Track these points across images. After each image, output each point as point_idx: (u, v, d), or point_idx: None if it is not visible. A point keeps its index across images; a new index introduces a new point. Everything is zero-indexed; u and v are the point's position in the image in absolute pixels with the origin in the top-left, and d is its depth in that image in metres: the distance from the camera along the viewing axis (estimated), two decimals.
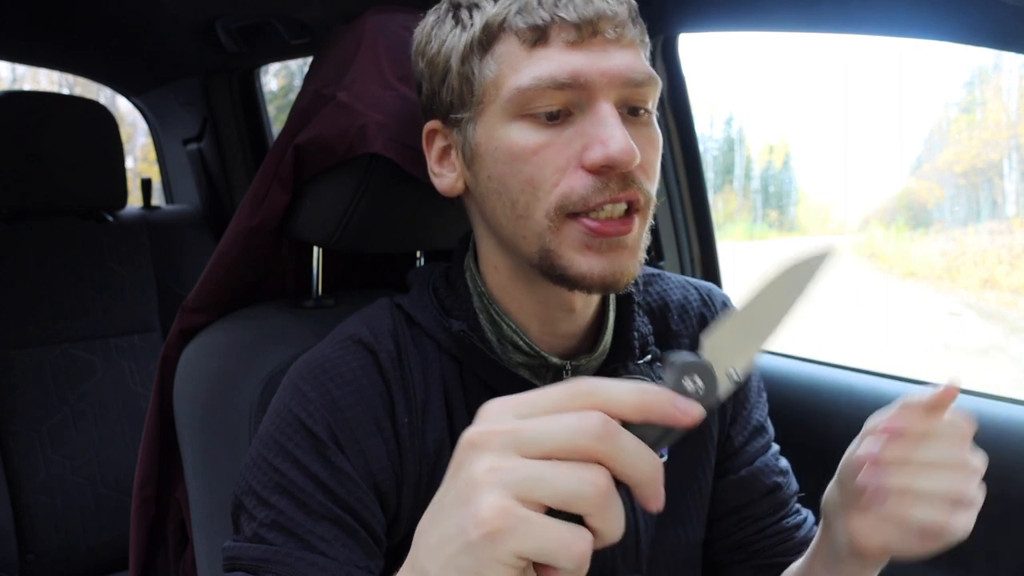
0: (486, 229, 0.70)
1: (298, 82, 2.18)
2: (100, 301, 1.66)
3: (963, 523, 0.61)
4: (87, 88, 3.43)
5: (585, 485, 0.35)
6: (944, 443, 0.61)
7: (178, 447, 0.91)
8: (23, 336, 1.57)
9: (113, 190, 1.68)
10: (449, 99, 0.68)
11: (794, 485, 0.84)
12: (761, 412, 0.84)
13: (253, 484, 0.65)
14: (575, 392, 0.37)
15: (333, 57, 0.86)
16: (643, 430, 0.38)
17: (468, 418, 0.58)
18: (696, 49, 1.37)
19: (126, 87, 2.06)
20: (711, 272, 1.40)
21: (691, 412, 0.38)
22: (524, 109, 0.63)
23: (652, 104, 0.66)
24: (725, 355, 0.42)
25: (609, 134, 0.60)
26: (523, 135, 0.63)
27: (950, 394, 0.60)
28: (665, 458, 0.75)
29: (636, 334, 0.73)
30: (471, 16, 0.66)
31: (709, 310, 0.82)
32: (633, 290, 0.75)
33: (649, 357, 0.74)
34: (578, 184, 0.61)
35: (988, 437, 0.99)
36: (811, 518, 0.84)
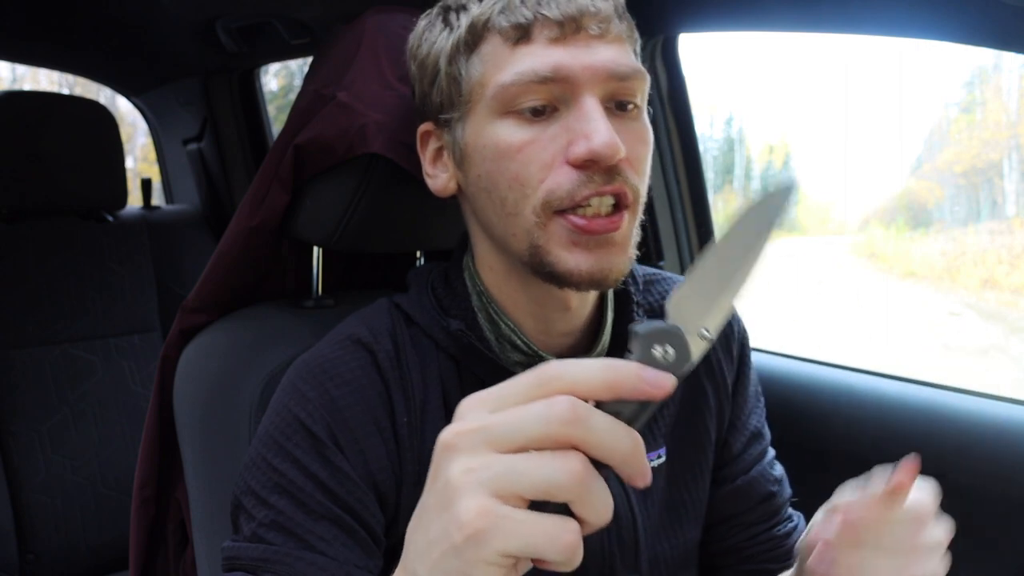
0: (479, 229, 0.71)
1: (298, 82, 2.18)
2: (100, 301, 1.66)
3: None
4: (87, 88, 3.43)
5: (559, 473, 0.34)
6: (899, 528, 0.62)
7: (178, 447, 0.91)
8: (23, 336, 1.57)
9: (113, 190, 1.68)
10: (439, 100, 0.69)
11: (787, 492, 0.85)
12: (759, 418, 0.84)
13: (252, 484, 0.65)
14: (542, 378, 0.36)
15: (333, 57, 0.86)
16: (617, 407, 0.37)
17: None
18: (696, 49, 1.37)
19: (126, 87, 2.06)
20: None
21: (661, 383, 0.36)
22: (509, 106, 0.63)
23: (641, 99, 0.66)
24: (693, 315, 0.40)
25: (593, 128, 0.60)
26: (509, 132, 0.63)
27: (909, 477, 0.61)
28: (663, 459, 0.75)
29: None
30: (458, 17, 0.67)
31: None
32: (633, 289, 0.75)
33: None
34: (563, 180, 0.61)
35: (988, 437, 1.00)
36: (802, 524, 0.85)
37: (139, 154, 4.55)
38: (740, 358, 0.83)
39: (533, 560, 0.36)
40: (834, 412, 1.15)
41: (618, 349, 0.73)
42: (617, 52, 0.64)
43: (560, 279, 0.64)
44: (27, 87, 3.70)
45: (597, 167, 0.61)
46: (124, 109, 2.77)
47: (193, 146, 2.00)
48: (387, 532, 0.67)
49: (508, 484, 0.35)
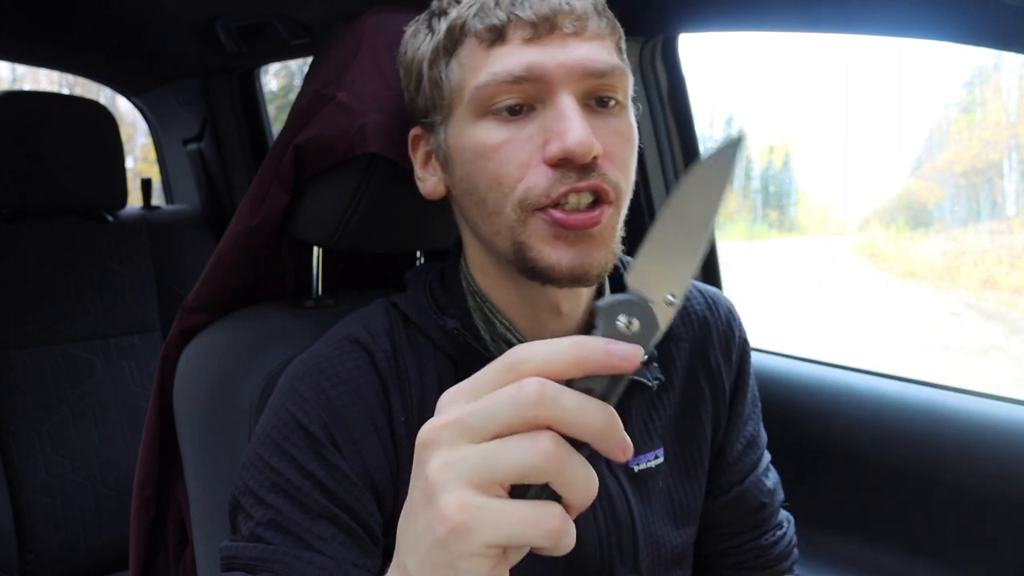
0: (468, 231, 0.71)
1: (298, 82, 2.18)
2: (100, 301, 1.66)
3: None
4: (87, 88, 3.43)
5: (529, 454, 0.34)
6: None
7: (178, 447, 0.91)
8: (23, 336, 1.57)
9: (113, 190, 1.68)
10: (424, 104, 0.70)
11: (778, 501, 0.85)
12: (755, 425, 0.85)
13: (250, 484, 0.66)
14: (512, 362, 0.36)
15: (333, 57, 0.86)
16: (588, 384, 0.36)
17: None
18: (696, 49, 1.37)
19: (126, 87, 2.06)
20: (711, 272, 1.40)
21: (629, 355, 0.36)
22: (486, 107, 0.64)
23: (623, 95, 0.66)
24: (656, 283, 0.39)
25: (566, 127, 0.60)
26: (486, 133, 0.64)
27: None
28: (661, 460, 0.76)
29: None
30: (438, 22, 0.68)
31: (713, 315, 0.82)
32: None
33: (645, 357, 0.74)
34: (540, 178, 0.62)
35: (988, 437, 1.00)
36: (789, 532, 0.86)
37: (139, 154, 4.55)
38: (740, 364, 0.83)
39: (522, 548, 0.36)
40: (834, 412, 1.15)
41: None
42: (594, 49, 0.64)
43: (542, 275, 0.64)
44: (27, 87, 3.71)
45: (572, 165, 0.61)
46: (124, 109, 2.77)
47: (193, 146, 2.00)
48: (385, 531, 0.67)
49: (484, 473, 0.35)
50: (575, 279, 0.64)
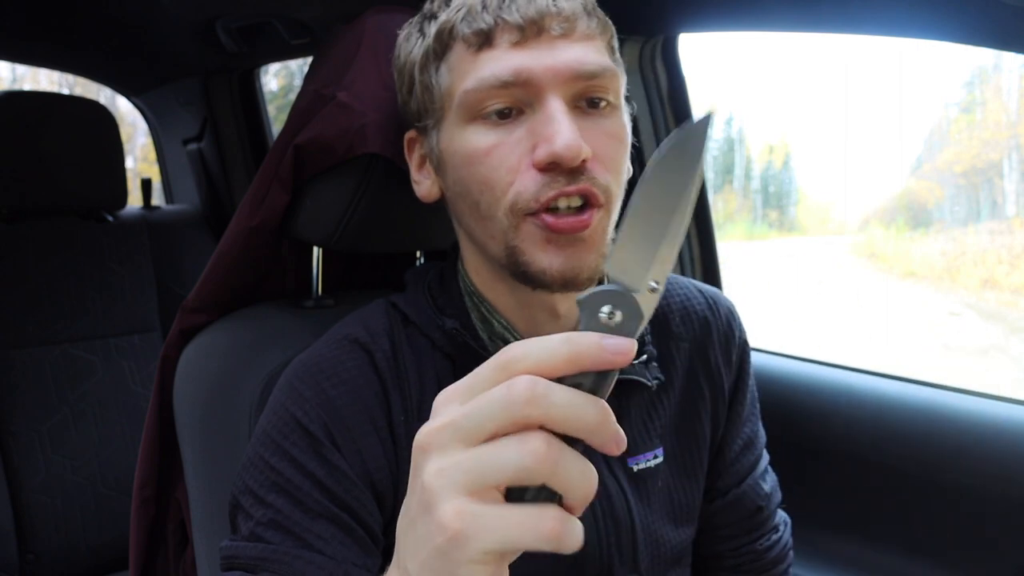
0: (463, 233, 0.72)
1: (298, 82, 2.18)
2: (100, 301, 1.66)
3: None
4: (87, 88, 3.43)
5: (522, 455, 0.34)
6: None
7: (178, 447, 0.91)
8: (23, 336, 1.57)
9: (113, 190, 1.68)
10: (416, 108, 0.70)
11: (775, 503, 0.85)
12: (753, 426, 0.85)
13: (250, 483, 0.66)
14: (504, 362, 0.36)
15: (333, 57, 0.86)
16: (578, 379, 0.36)
17: None
18: (696, 49, 1.37)
19: (126, 87, 2.06)
20: (711, 272, 1.40)
21: (622, 350, 0.35)
22: (475, 112, 0.64)
23: (614, 95, 0.66)
24: (637, 270, 0.37)
25: (554, 130, 0.60)
26: (476, 137, 0.64)
27: None
28: (660, 459, 0.76)
29: None
30: (428, 26, 0.68)
31: (713, 315, 0.81)
32: None
33: (645, 357, 0.74)
34: (529, 183, 0.62)
35: (988, 437, 1.00)
36: (785, 536, 0.86)
37: (139, 154, 4.56)
38: (740, 365, 0.83)
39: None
40: (834, 412, 1.15)
41: None
42: (584, 51, 0.63)
43: (534, 279, 0.64)
44: (27, 87, 3.71)
45: (560, 169, 0.61)
46: (124, 109, 2.77)
47: (193, 146, 2.00)
48: (385, 531, 0.67)
49: (479, 478, 0.34)
50: (566, 283, 0.64)
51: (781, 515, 0.87)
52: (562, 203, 0.62)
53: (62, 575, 1.54)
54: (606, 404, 0.35)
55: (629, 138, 0.67)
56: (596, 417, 0.35)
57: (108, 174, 1.67)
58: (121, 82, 2.04)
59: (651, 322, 0.78)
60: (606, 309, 0.37)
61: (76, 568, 1.55)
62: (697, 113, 1.37)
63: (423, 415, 0.68)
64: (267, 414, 0.68)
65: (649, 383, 0.73)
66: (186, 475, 0.90)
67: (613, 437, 0.35)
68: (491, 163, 0.63)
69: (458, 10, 0.65)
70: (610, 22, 0.69)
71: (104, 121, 1.66)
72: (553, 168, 0.61)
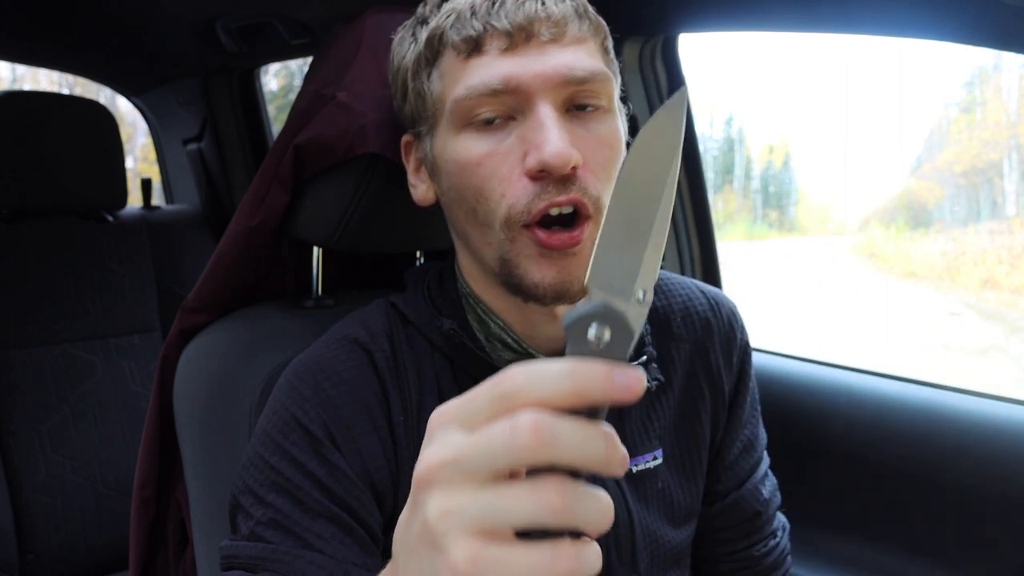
0: (457, 238, 0.72)
1: (298, 82, 2.18)
2: (100, 301, 1.66)
3: None
4: (87, 88, 3.43)
5: (537, 507, 0.32)
6: None
7: (178, 447, 0.91)
8: (23, 336, 1.57)
9: (113, 190, 1.68)
10: (410, 114, 0.70)
11: (773, 508, 0.85)
12: (753, 428, 0.84)
13: (250, 483, 0.66)
14: (502, 394, 0.34)
15: (333, 57, 0.86)
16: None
17: None
18: (696, 49, 1.37)
19: (126, 87, 2.06)
20: (711, 272, 1.40)
21: (632, 384, 0.33)
22: (466, 120, 0.63)
23: (607, 99, 0.65)
24: (620, 283, 0.34)
25: (544, 138, 0.60)
26: (468, 146, 0.64)
27: None
28: (660, 460, 0.75)
29: None
30: (421, 31, 0.67)
31: (715, 316, 0.81)
32: None
33: (644, 358, 0.74)
34: (521, 193, 0.62)
35: (988, 437, 1.00)
36: (783, 542, 0.85)
37: (139, 154, 4.56)
38: (741, 367, 0.82)
39: None
40: (834, 412, 1.15)
41: None
42: (574, 55, 0.63)
43: (526, 292, 0.64)
44: (27, 87, 3.71)
45: (551, 177, 0.61)
46: (124, 109, 2.77)
47: (193, 146, 2.00)
48: (385, 530, 0.67)
49: (491, 522, 0.33)
50: (557, 296, 0.64)
51: (780, 520, 0.87)
52: (553, 211, 0.61)
53: (62, 575, 1.54)
54: (611, 432, 0.34)
55: (623, 141, 0.67)
56: (603, 451, 0.33)
57: (108, 174, 1.67)
58: (121, 82, 2.04)
59: (652, 322, 0.78)
60: (593, 330, 0.34)
61: (76, 568, 1.55)
62: (696, 114, 1.37)
63: (423, 415, 0.68)
64: (267, 414, 0.68)
65: (649, 384, 0.73)
66: (186, 475, 0.90)
67: (619, 464, 0.34)
68: (483, 173, 0.63)
69: (448, 16, 0.64)
70: (604, 23, 0.68)
71: (104, 121, 1.66)
72: (544, 176, 0.61)
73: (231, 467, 0.78)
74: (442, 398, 0.69)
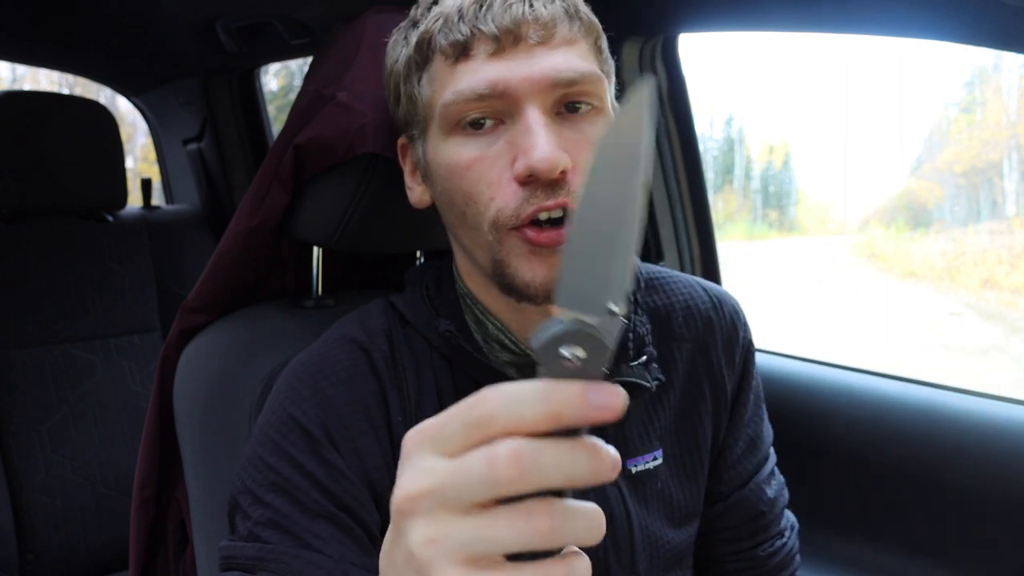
0: (453, 240, 0.72)
1: (298, 82, 2.18)
2: (100, 301, 1.66)
3: None
4: (87, 88, 3.44)
5: (527, 532, 0.31)
6: None
7: (178, 447, 0.91)
8: (23, 336, 1.57)
9: (113, 190, 1.68)
10: (403, 117, 0.70)
11: (777, 510, 0.84)
12: (757, 428, 0.83)
13: (248, 483, 0.66)
14: (476, 420, 0.33)
15: (333, 57, 0.86)
16: None
17: None
18: (696, 49, 1.37)
19: (126, 87, 2.06)
20: (711, 272, 1.40)
21: (611, 404, 0.31)
22: (455, 124, 0.63)
23: (599, 99, 0.65)
24: (591, 296, 0.32)
25: (532, 143, 0.60)
26: (457, 150, 0.64)
27: None
28: (660, 461, 0.75)
29: (631, 335, 0.73)
30: (412, 34, 0.67)
31: (717, 314, 0.80)
32: (631, 289, 0.75)
33: (644, 358, 0.73)
34: (510, 198, 0.62)
35: (988, 437, 1.00)
36: (791, 541, 0.85)
37: (139, 154, 4.56)
38: (743, 366, 0.81)
39: None
40: (834, 412, 1.15)
41: (615, 352, 0.72)
42: (564, 57, 0.62)
43: (519, 291, 0.64)
44: (27, 87, 3.71)
45: (539, 182, 0.60)
46: (124, 109, 2.77)
47: (193, 146, 2.00)
48: (383, 530, 0.67)
49: (477, 551, 0.32)
50: (549, 294, 0.63)
51: (788, 519, 0.86)
52: (543, 215, 0.61)
53: (62, 575, 1.54)
54: (595, 443, 0.32)
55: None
56: (588, 468, 0.32)
57: (108, 174, 1.67)
58: (121, 82, 2.04)
59: (652, 321, 0.77)
60: (566, 350, 0.32)
61: (76, 568, 1.55)
62: (696, 114, 1.37)
63: (421, 415, 0.68)
64: (265, 414, 0.68)
65: (649, 385, 0.72)
66: (186, 475, 0.90)
67: (608, 472, 0.32)
68: (472, 177, 0.63)
69: (436, 20, 0.64)
70: (597, 23, 0.67)
71: (104, 121, 1.66)
72: (532, 182, 0.61)
73: (231, 467, 0.78)
74: (440, 398, 0.70)
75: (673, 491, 0.76)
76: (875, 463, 1.09)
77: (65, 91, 2.91)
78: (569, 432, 0.32)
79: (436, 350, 0.71)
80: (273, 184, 0.86)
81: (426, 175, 0.70)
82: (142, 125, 2.18)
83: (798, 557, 0.86)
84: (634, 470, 0.73)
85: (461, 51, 0.62)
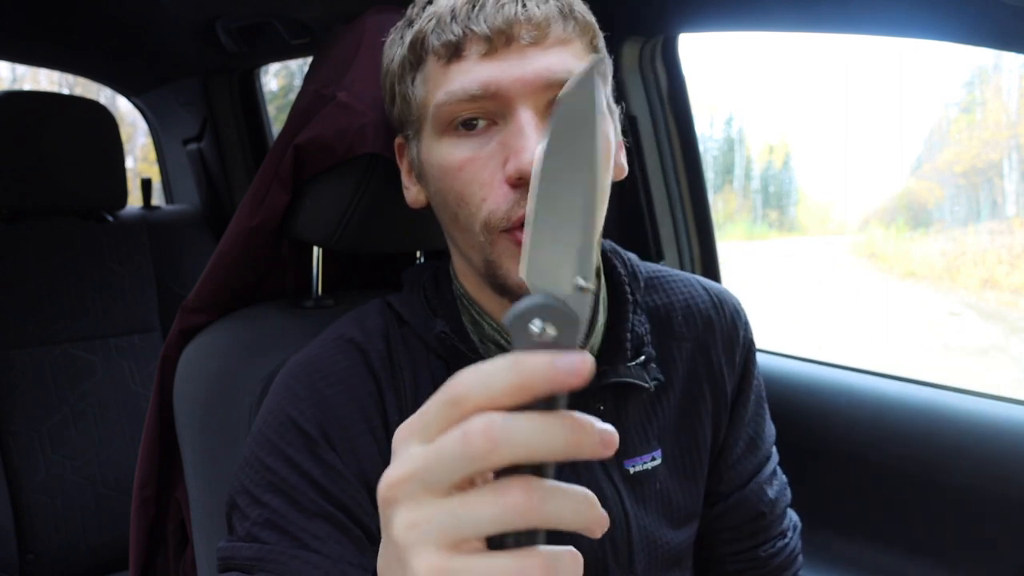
0: (448, 240, 0.72)
1: (298, 82, 2.18)
2: (100, 301, 1.66)
3: None
4: (87, 88, 3.44)
5: (503, 510, 0.31)
6: None
7: (178, 447, 0.91)
8: (23, 336, 1.57)
9: (113, 190, 1.68)
10: (398, 117, 0.70)
11: (778, 511, 0.83)
12: (757, 426, 0.83)
13: (246, 483, 0.66)
14: (450, 399, 0.33)
15: (333, 57, 0.86)
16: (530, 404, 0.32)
17: None
18: (696, 49, 1.37)
19: (126, 87, 2.06)
20: (711, 272, 1.40)
21: (577, 367, 0.31)
22: (447, 124, 0.63)
23: None
24: (558, 272, 0.33)
25: (523, 145, 0.59)
26: (450, 151, 0.64)
27: None
28: (658, 461, 0.75)
29: (629, 335, 0.73)
30: (407, 34, 0.67)
31: (718, 313, 0.80)
32: (631, 288, 0.75)
33: (643, 358, 0.73)
34: (501, 200, 0.62)
35: (988, 437, 1.00)
36: (792, 542, 0.84)
37: (139, 154, 4.56)
38: (744, 366, 0.81)
39: None
40: (834, 412, 1.15)
41: (609, 351, 0.72)
42: (557, 58, 0.62)
43: (511, 292, 0.64)
44: (27, 87, 3.71)
45: (528, 184, 0.61)
46: (124, 109, 2.77)
47: (193, 146, 2.00)
48: (381, 531, 0.67)
49: (456, 533, 0.32)
50: None
51: (791, 519, 0.85)
52: None
53: (62, 575, 1.54)
54: (575, 415, 0.32)
55: (612, 142, 0.66)
56: (563, 440, 0.31)
57: (108, 174, 1.67)
58: (121, 82, 2.04)
59: (652, 321, 0.77)
60: (536, 326, 0.32)
61: (76, 568, 1.55)
62: (697, 114, 1.37)
63: None
64: (263, 414, 0.68)
65: (647, 385, 0.72)
66: (186, 475, 0.90)
67: (597, 445, 0.32)
68: (464, 178, 0.63)
69: (429, 20, 0.64)
70: (592, 22, 0.67)
71: (104, 121, 1.66)
72: (523, 183, 0.60)
73: (231, 467, 0.78)
74: None
75: (672, 491, 0.76)
76: (875, 463, 1.09)
77: (65, 91, 2.91)
78: (550, 407, 0.32)
79: (433, 351, 0.71)
80: (273, 184, 0.86)
81: (420, 175, 0.70)
82: (142, 125, 2.18)
83: (800, 558, 0.86)
84: (632, 470, 0.73)
85: (454, 52, 0.62)
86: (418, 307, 0.72)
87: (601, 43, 0.68)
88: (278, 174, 0.85)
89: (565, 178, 0.33)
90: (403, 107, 0.68)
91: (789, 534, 0.84)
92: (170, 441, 0.93)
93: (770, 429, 0.85)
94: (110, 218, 1.73)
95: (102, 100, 1.91)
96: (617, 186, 0.70)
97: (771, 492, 0.82)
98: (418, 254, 1.00)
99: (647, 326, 0.75)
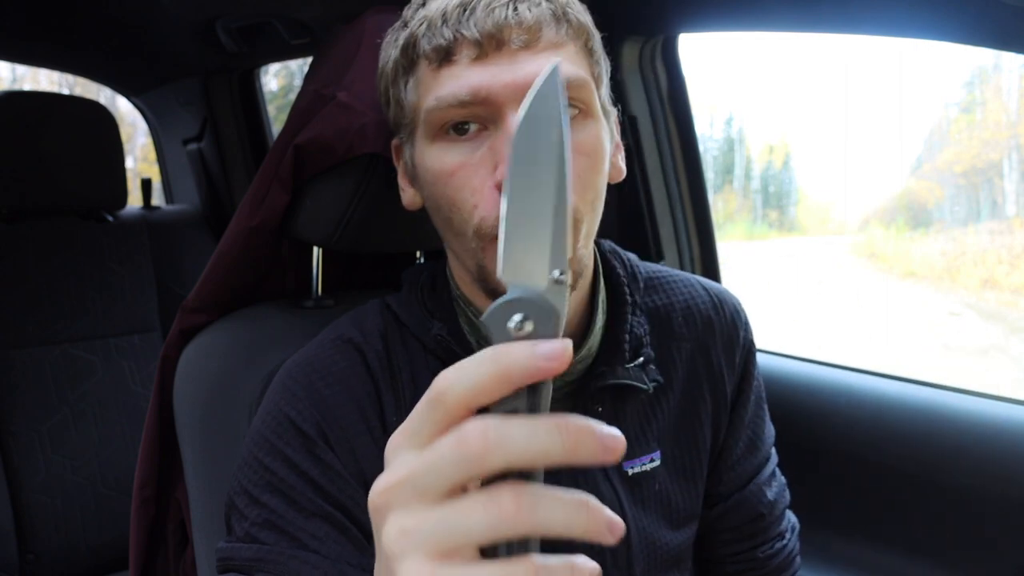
0: (445, 242, 0.72)
1: (298, 82, 2.18)
2: (100, 301, 1.66)
3: None
4: (87, 88, 3.44)
5: (494, 517, 0.30)
6: None
7: (178, 447, 0.91)
8: (23, 336, 1.57)
9: (113, 190, 1.68)
10: (393, 120, 0.70)
11: (777, 512, 0.83)
12: (757, 427, 0.82)
13: (245, 484, 0.66)
14: (435, 397, 0.33)
15: (333, 57, 0.86)
16: (512, 404, 0.32)
17: None
18: (696, 49, 1.37)
19: (126, 87, 2.06)
20: (711, 272, 1.40)
21: (555, 353, 0.31)
22: (439, 129, 0.63)
23: (586, 103, 0.64)
24: (533, 266, 0.33)
25: None
26: (441, 156, 0.63)
27: None
28: (657, 463, 0.75)
29: (628, 336, 0.72)
30: (401, 36, 0.67)
31: (718, 314, 0.80)
32: (631, 289, 0.75)
33: (642, 360, 0.73)
34: (492, 207, 0.61)
35: (988, 437, 1.00)
36: (791, 543, 0.84)
37: (139, 154, 4.56)
38: (744, 366, 0.81)
39: None
40: (833, 412, 1.15)
41: (608, 353, 0.72)
42: (546, 63, 0.61)
43: None
44: (27, 87, 3.71)
45: None
46: (124, 109, 2.77)
47: (193, 146, 2.00)
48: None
49: (446, 542, 0.31)
50: None
51: (789, 520, 0.85)
52: None
53: (62, 575, 1.54)
54: (573, 419, 0.31)
55: (606, 147, 0.65)
56: (560, 445, 0.31)
57: (108, 174, 1.67)
58: (121, 82, 2.04)
59: (651, 322, 0.77)
60: (514, 320, 0.32)
61: (76, 568, 1.55)
62: (697, 114, 1.37)
63: None
64: (261, 414, 0.68)
65: (646, 386, 0.72)
66: (186, 475, 0.90)
67: (596, 449, 0.31)
68: (455, 184, 0.63)
69: (421, 24, 0.64)
70: (588, 24, 0.66)
71: (104, 121, 1.66)
72: None
73: (231, 467, 0.78)
74: None
75: (671, 493, 0.76)
76: (874, 463, 1.09)
77: (65, 91, 2.91)
78: (534, 400, 0.32)
79: (431, 352, 0.70)
80: (273, 184, 0.86)
81: (415, 178, 0.70)
82: (142, 125, 2.18)
83: (799, 559, 0.86)
84: (631, 472, 0.73)
85: (444, 56, 0.62)
86: (415, 309, 0.72)
87: (597, 45, 0.68)
88: (278, 174, 0.85)
89: (533, 175, 0.34)
90: (397, 110, 0.68)
91: (787, 535, 0.84)
92: (170, 441, 0.93)
93: (769, 430, 0.85)
94: (110, 218, 1.73)
95: (102, 100, 1.91)
96: (617, 186, 0.70)
97: (770, 493, 0.82)
98: (418, 254, 1.00)
99: (646, 327, 0.75)
